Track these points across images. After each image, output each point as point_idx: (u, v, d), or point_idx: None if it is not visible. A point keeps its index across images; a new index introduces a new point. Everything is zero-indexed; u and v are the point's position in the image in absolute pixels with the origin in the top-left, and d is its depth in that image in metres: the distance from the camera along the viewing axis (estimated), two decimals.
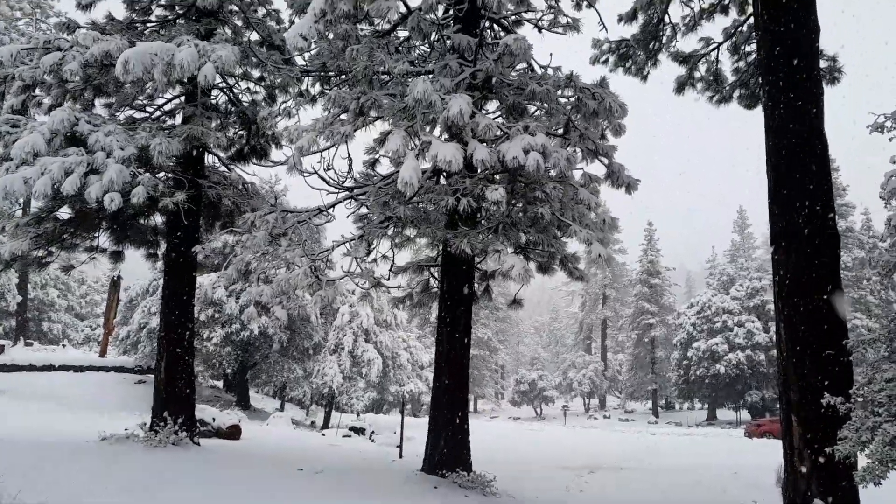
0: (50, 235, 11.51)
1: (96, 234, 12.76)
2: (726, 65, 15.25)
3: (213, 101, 13.31)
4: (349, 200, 11.32)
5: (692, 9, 14.68)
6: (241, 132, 13.63)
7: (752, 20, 14.50)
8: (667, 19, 14.73)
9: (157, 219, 13.52)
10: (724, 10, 14.72)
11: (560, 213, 9.91)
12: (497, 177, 10.67)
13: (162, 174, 12.07)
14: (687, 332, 54.77)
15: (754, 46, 14.54)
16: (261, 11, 13.77)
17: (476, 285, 14.21)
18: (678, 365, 55.55)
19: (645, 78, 15.55)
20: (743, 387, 50.76)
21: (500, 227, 10.36)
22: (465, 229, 10.02)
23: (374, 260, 12.68)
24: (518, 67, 11.78)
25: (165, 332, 12.94)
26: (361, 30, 11.37)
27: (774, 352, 48.37)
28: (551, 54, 11.18)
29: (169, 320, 12.95)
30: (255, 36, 13.32)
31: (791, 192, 9.97)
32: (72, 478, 8.98)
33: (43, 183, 9.48)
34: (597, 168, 11.69)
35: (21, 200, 11.28)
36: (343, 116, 9.67)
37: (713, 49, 14.97)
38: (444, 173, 11.56)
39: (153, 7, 12.59)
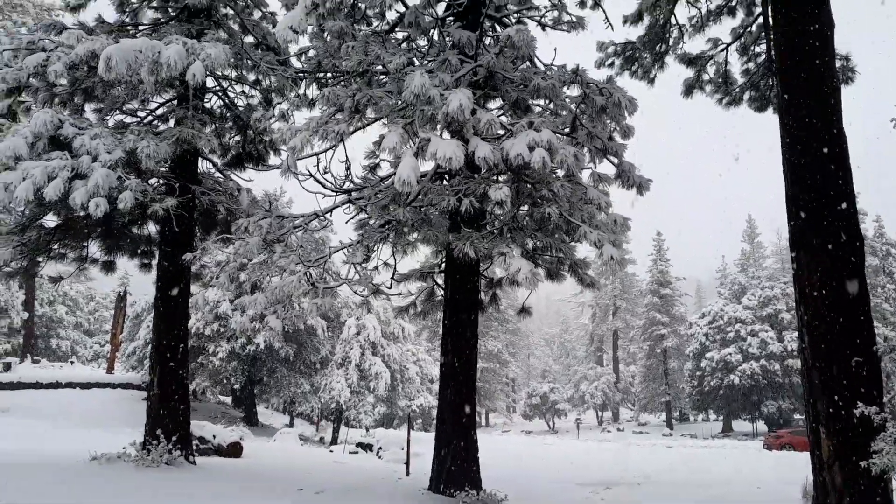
0: (35, 244, 11.06)
1: (86, 244, 12.31)
2: (735, 66, 14.85)
3: (208, 106, 12.90)
4: (348, 205, 10.83)
5: (699, 9, 14.27)
6: (236, 137, 13.21)
7: (760, 20, 14.07)
8: (673, 20, 14.35)
9: (151, 228, 13.09)
10: (731, 12, 14.35)
11: (568, 214, 9.39)
12: (501, 178, 10.20)
13: (154, 180, 11.64)
14: (699, 343, 53.85)
15: (764, 47, 14.09)
16: (256, 14, 13.39)
17: (483, 293, 13.69)
18: (691, 376, 54.59)
19: (652, 81, 15.14)
20: (758, 397, 49.70)
21: (506, 229, 9.87)
22: (468, 231, 9.52)
23: (376, 267, 12.20)
24: (521, 68, 11.39)
25: (158, 343, 12.41)
26: (359, 30, 10.99)
27: (790, 361, 47.50)
28: (555, 49, 10.75)
29: (162, 331, 12.43)
30: (250, 39, 12.96)
31: (812, 193, 9.42)
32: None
33: (24, 188, 9.06)
34: (606, 169, 11.25)
35: (19, 208, 10.82)
36: (338, 115, 9.22)
37: (721, 50, 14.54)
38: (446, 175, 11.09)
39: (144, 7, 12.17)
